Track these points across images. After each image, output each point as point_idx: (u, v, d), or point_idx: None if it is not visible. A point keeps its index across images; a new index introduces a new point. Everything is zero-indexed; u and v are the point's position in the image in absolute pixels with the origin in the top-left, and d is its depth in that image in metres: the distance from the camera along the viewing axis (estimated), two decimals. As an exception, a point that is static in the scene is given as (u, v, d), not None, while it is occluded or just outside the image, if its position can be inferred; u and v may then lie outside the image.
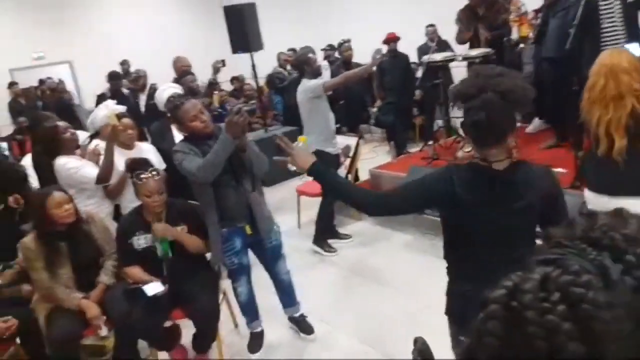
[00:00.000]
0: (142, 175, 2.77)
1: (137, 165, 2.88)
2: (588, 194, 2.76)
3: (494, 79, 1.55)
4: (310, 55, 4.26)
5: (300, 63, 4.34)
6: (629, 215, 0.55)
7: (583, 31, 4.02)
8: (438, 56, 5.31)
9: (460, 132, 5.99)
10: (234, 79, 9.51)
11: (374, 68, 4.38)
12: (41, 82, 10.50)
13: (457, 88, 1.66)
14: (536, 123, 5.85)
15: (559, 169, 4.45)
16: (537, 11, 5.25)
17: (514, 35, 5.58)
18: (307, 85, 4.15)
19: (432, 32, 6.60)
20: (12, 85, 9.57)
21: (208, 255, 3.07)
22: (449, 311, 1.85)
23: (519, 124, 5.20)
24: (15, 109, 8.93)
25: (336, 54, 6.85)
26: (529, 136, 5.62)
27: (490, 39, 5.20)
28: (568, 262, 0.51)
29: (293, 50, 7.25)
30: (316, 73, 4.25)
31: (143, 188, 2.77)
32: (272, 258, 3.12)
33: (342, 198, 1.96)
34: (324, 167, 1.88)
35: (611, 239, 0.52)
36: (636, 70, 2.42)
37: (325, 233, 4.56)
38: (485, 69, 1.66)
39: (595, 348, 0.46)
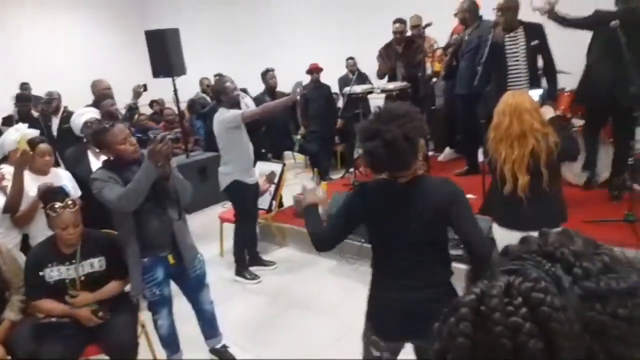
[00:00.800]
0: (57, 206, 2.63)
1: (51, 195, 2.73)
2: (497, 230, 2.88)
3: (384, 126, 1.74)
4: (228, 84, 4.18)
5: (217, 92, 4.26)
6: (575, 234, 0.65)
7: (489, 70, 4.43)
8: (358, 88, 5.55)
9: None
10: (153, 103, 9.29)
11: (298, 98, 4.45)
12: None
13: (359, 127, 1.87)
14: (447, 152, 6.26)
15: (470, 195, 4.79)
16: (444, 48, 5.69)
17: (428, 70, 5.99)
18: (225, 115, 4.08)
19: (352, 65, 6.88)
20: None
21: (126, 287, 2.96)
22: (366, 313, 2.05)
23: (431, 153, 5.64)
24: None
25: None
26: (441, 164, 5.99)
27: (407, 76, 5.55)
28: (528, 272, 0.59)
29: (219, 75, 7.24)
30: (233, 102, 4.20)
31: (58, 220, 2.63)
32: (195, 288, 3.06)
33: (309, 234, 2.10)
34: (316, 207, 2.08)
35: (562, 254, 0.60)
36: (536, 110, 2.62)
37: (243, 261, 4.53)
38: (386, 110, 1.84)
39: (552, 344, 0.55)
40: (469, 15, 5.10)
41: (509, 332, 0.55)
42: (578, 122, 4.81)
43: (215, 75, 7.27)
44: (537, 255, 0.62)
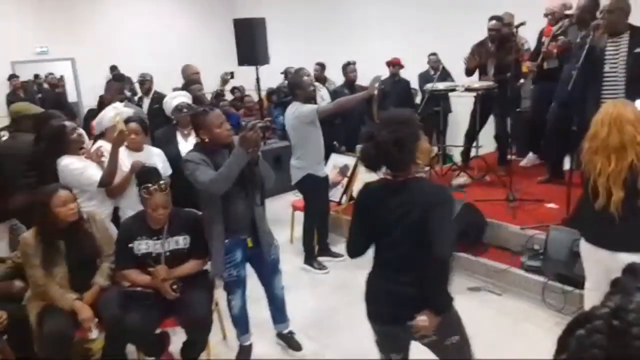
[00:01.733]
0: (150, 187, 2.79)
1: (146, 176, 2.89)
2: (585, 246, 2.74)
3: (378, 130, 1.95)
4: (305, 78, 4.20)
5: (293, 86, 4.28)
6: None
7: (584, 76, 4.14)
8: (441, 85, 5.42)
9: (456, 160, 6.15)
10: (235, 89, 9.57)
11: (375, 92, 4.39)
12: (36, 76, 10.48)
13: (364, 130, 2.11)
14: (530, 157, 5.98)
15: (551, 205, 4.58)
16: (535, 51, 5.39)
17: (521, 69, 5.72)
18: (300, 110, 4.11)
19: (434, 61, 6.74)
20: (12, 77, 9.51)
21: (205, 265, 3.08)
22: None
23: (513, 157, 5.41)
24: (13, 101, 8.87)
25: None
26: (523, 169, 5.73)
27: (496, 76, 5.30)
28: (633, 299, 0.60)
29: (319, 64, 7.31)
30: (309, 97, 4.21)
31: (150, 201, 2.79)
32: (270, 272, 3.14)
33: None
34: None
35: None
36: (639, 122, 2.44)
37: (312, 251, 4.59)
38: (388, 115, 2.08)
39: None
40: (588, 16, 4.58)
41: None
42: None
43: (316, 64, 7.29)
44: None
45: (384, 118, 2.06)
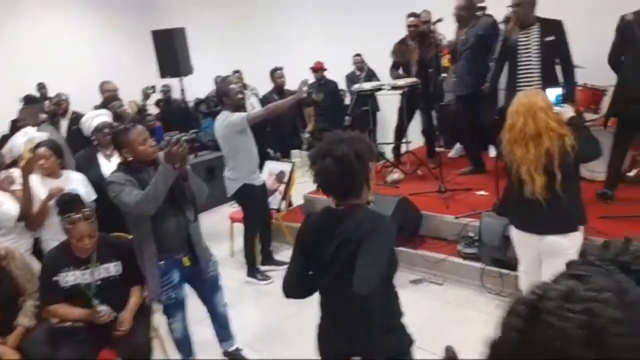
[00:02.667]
0: (73, 217, 2.60)
1: (67, 204, 2.69)
2: (514, 232, 2.82)
3: (334, 145, 1.74)
4: (232, 86, 4.12)
5: (220, 95, 4.18)
6: None
7: (500, 66, 4.36)
8: (367, 85, 5.50)
9: (388, 156, 6.29)
10: (160, 102, 9.26)
11: (304, 96, 4.38)
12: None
13: (310, 152, 1.86)
14: (457, 148, 6.21)
15: (481, 192, 4.76)
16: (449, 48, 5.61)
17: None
18: (229, 119, 4.02)
19: (359, 62, 6.84)
20: None
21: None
22: None
23: (442, 149, 5.60)
24: None
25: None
26: (452, 161, 5.94)
27: (417, 72, 5.47)
28: (593, 280, 0.59)
29: (237, 72, 7.23)
30: (237, 105, 4.14)
31: (73, 231, 2.61)
32: (210, 290, 3.03)
33: None
34: None
35: (638, 265, 0.59)
36: (551, 109, 2.54)
37: (254, 262, 4.52)
38: (334, 133, 1.84)
39: (604, 357, 0.54)
40: (466, 14, 4.93)
41: (562, 337, 0.56)
42: (591, 117, 4.75)
43: (234, 72, 7.22)
44: (611, 263, 0.61)
45: (331, 136, 1.81)
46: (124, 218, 2.76)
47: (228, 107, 4.11)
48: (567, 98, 3.57)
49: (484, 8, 5.26)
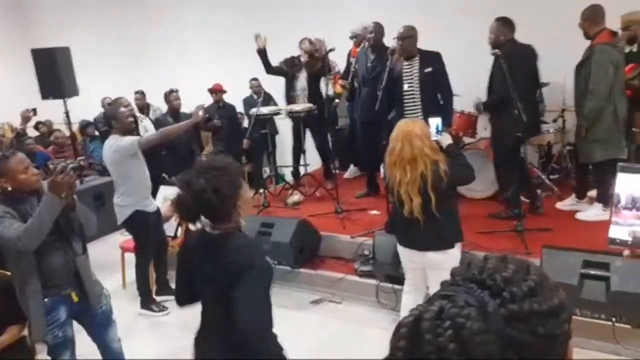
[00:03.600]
0: None
1: None
2: (400, 249, 3.07)
3: (195, 178, 1.79)
4: (121, 109, 3.98)
5: (109, 118, 4.03)
6: (511, 260, 0.75)
7: (388, 95, 4.66)
8: (265, 109, 5.58)
9: (288, 179, 6.39)
10: (39, 124, 8.57)
11: (199, 119, 4.32)
12: None
13: (179, 178, 1.90)
14: (351, 170, 6.48)
15: (374, 212, 5.01)
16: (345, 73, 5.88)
17: (330, 91, 6.17)
18: (119, 143, 3.87)
19: (256, 86, 6.90)
20: None
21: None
22: None
23: (337, 171, 5.81)
24: None
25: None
26: (347, 182, 6.17)
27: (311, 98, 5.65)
28: (458, 298, 0.69)
29: (139, 92, 6.92)
30: (127, 130, 4.01)
31: None
32: (102, 326, 2.84)
33: None
34: None
35: (494, 280, 0.70)
36: (427, 137, 2.82)
37: (148, 293, 4.34)
38: (206, 161, 1.94)
39: None
40: (375, 41, 5.11)
41: (437, 351, 0.64)
42: (469, 141, 5.24)
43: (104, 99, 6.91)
44: (472, 282, 0.72)
45: (200, 165, 1.86)
46: (2, 253, 2.52)
47: (117, 130, 3.95)
48: (445, 124, 3.92)
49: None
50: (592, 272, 3.16)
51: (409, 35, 4.40)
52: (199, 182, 1.76)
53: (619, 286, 3.05)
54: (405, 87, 4.48)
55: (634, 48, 4.33)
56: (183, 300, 2.10)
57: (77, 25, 9.54)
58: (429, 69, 4.40)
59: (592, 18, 4.00)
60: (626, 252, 1.03)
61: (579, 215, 4.30)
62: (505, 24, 4.31)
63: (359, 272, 4.16)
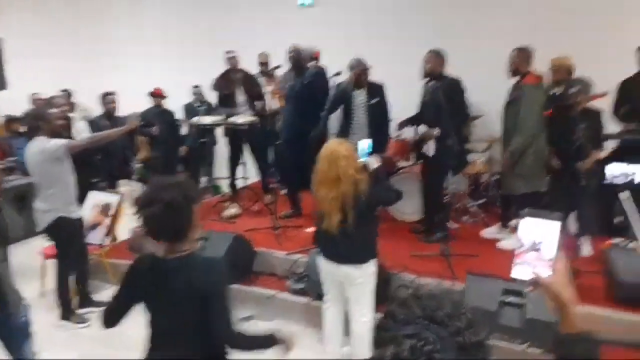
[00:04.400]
0: None
1: None
2: (320, 260, 3.20)
3: (163, 190, 1.77)
4: (52, 110, 3.84)
5: (36, 118, 3.83)
6: (444, 297, 0.85)
7: (330, 113, 4.81)
8: (207, 119, 5.50)
9: (225, 190, 6.30)
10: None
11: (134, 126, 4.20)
12: None
13: (136, 197, 1.87)
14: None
15: (310, 229, 5.03)
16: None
17: (276, 105, 6.19)
18: (45, 145, 3.71)
19: (198, 94, 6.81)
20: None
21: None
22: None
23: (277, 185, 5.80)
24: None
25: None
26: (286, 197, 6.16)
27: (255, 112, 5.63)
28: (424, 335, 0.79)
29: (65, 91, 6.55)
30: (56, 131, 3.84)
31: None
32: (19, 338, 2.66)
33: None
34: None
35: (440, 317, 0.81)
36: (352, 158, 2.96)
37: (68, 304, 4.14)
38: (159, 180, 1.88)
39: None
40: (298, 62, 5.19)
41: None
42: (403, 164, 5.43)
43: (62, 90, 6.51)
44: (424, 319, 0.82)
45: (156, 182, 1.84)
46: None
47: (45, 132, 3.77)
48: (381, 149, 4.22)
49: (316, 58, 5.69)
50: (510, 299, 3.36)
51: (363, 68, 4.69)
52: (169, 193, 1.74)
53: (533, 314, 3.26)
54: (355, 114, 4.76)
55: (559, 91, 4.67)
56: (113, 322, 1.98)
57: (12, 16, 9.03)
58: (376, 99, 4.74)
59: (523, 58, 4.30)
60: (530, 288, 1.14)
61: (499, 244, 4.54)
62: (439, 56, 4.55)
63: (292, 290, 4.17)
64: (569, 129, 4.16)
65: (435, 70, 4.52)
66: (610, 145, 4.64)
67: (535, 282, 1.09)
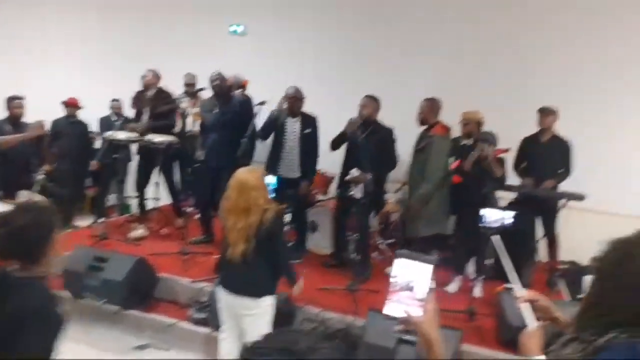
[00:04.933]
0: None
1: None
2: (218, 289, 3.13)
3: (16, 215, 1.73)
4: None
5: None
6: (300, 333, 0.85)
7: (264, 138, 4.84)
8: (122, 135, 5.28)
9: (134, 210, 6.01)
10: None
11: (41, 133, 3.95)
12: None
13: None
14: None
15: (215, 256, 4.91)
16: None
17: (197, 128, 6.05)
18: None
19: (117, 107, 6.54)
20: None
21: None
22: None
23: (191, 209, 5.63)
24: None
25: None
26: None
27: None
28: None
29: None
30: None
31: None
32: None
33: None
34: None
35: (303, 350, 0.82)
36: (262, 187, 2.98)
37: None
38: (21, 204, 1.86)
39: None
40: (221, 89, 5.12)
41: None
42: (321, 198, 5.51)
43: None
44: (288, 352, 0.82)
45: (19, 205, 1.80)
46: None
47: None
48: (309, 179, 4.64)
49: (244, 87, 5.70)
50: (406, 337, 3.44)
51: (298, 98, 4.79)
52: (21, 218, 1.70)
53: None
54: (287, 142, 4.83)
55: (469, 142, 4.98)
56: None
57: None
58: (309, 130, 4.85)
59: (432, 110, 4.57)
60: (400, 327, 1.18)
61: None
62: (376, 101, 4.68)
63: (193, 319, 4.03)
64: (477, 178, 4.41)
65: (372, 115, 4.63)
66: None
67: (406, 321, 1.13)
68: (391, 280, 1.15)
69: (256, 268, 2.95)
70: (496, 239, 2.07)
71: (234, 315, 3.09)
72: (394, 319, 1.15)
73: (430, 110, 4.57)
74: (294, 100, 4.79)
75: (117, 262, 4.10)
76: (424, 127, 4.62)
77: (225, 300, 3.08)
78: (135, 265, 4.10)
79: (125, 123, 5.79)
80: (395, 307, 1.14)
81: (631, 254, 1.32)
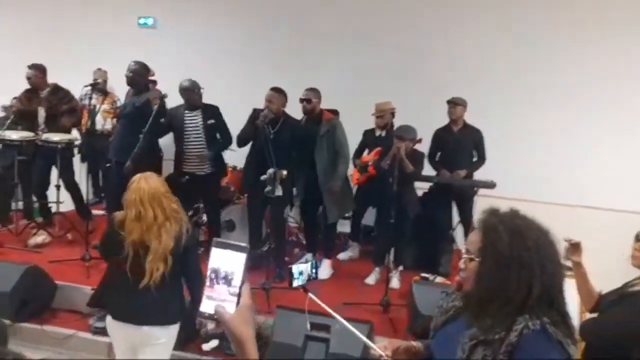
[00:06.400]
0: None
1: None
2: (111, 322, 2.64)
3: None
4: None
5: None
6: None
7: (157, 135, 4.58)
8: (15, 134, 4.86)
9: (37, 217, 5.56)
10: None
11: None
12: None
13: None
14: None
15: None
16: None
17: (109, 125, 5.71)
18: None
19: (6, 107, 6.02)
20: None
21: None
22: None
23: (102, 212, 5.28)
24: None
25: None
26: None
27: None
28: None
29: None
30: None
31: None
32: None
33: None
34: None
35: None
36: (169, 192, 2.56)
37: None
38: None
39: None
40: (142, 80, 4.80)
41: None
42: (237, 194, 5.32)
43: None
44: None
45: None
46: None
47: None
48: (221, 171, 4.66)
49: (154, 81, 5.42)
50: (316, 334, 3.34)
51: (193, 88, 4.57)
52: None
53: (336, 348, 3.26)
54: (191, 136, 4.61)
55: (384, 133, 4.96)
56: None
57: None
58: (212, 121, 4.64)
59: (319, 98, 4.68)
60: (212, 325, 1.05)
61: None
62: (284, 94, 4.54)
63: (93, 329, 3.76)
64: (391, 174, 4.36)
65: (279, 109, 4.50)
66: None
67: (216, 317, 0.99)
68: (208, 273, 1.00)
69: (168, 290, 2.51)
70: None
71: (131, 348, 2.61)
72: (211, 317, 1.01)
73: (319, 101, 4.68)
74: (189, 93, 4.57)
75: (4, 272, 3.74)
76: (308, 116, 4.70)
77: (123, 332, 2.58)
78: (25, 274, 3.76)
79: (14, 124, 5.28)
80: (210, 303, 1.00)
81: (519, 230, 1.28)
